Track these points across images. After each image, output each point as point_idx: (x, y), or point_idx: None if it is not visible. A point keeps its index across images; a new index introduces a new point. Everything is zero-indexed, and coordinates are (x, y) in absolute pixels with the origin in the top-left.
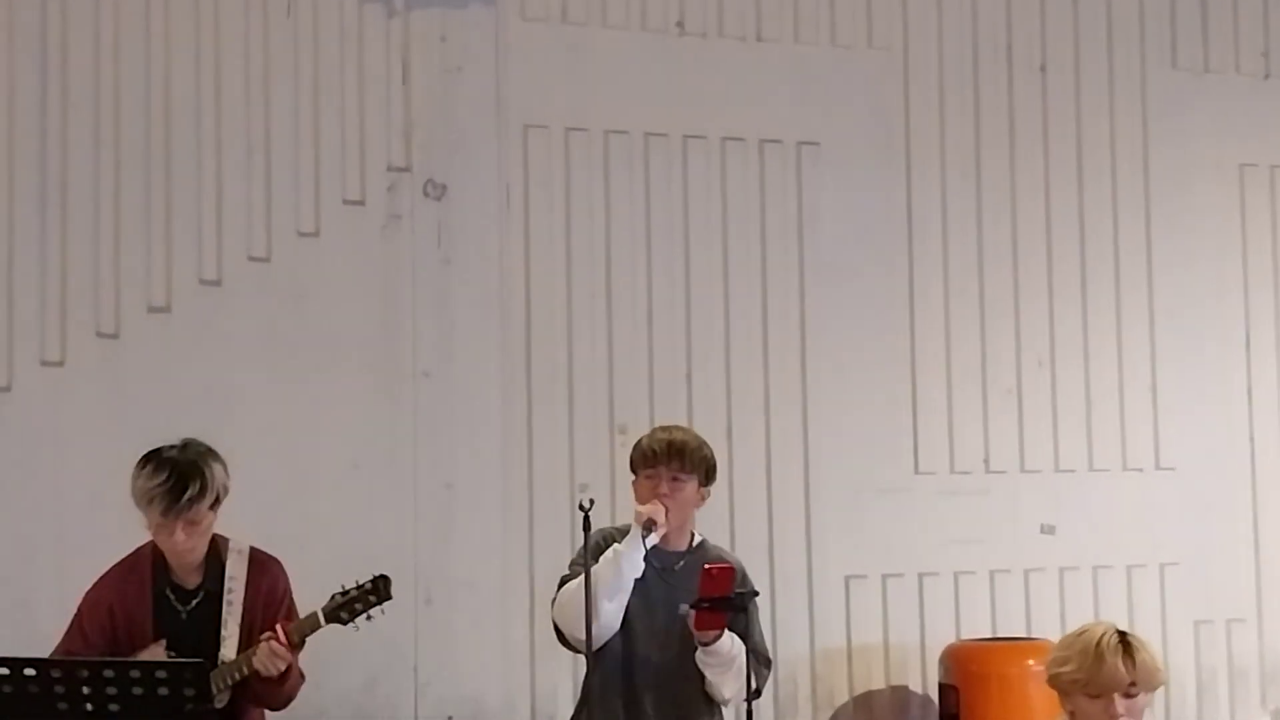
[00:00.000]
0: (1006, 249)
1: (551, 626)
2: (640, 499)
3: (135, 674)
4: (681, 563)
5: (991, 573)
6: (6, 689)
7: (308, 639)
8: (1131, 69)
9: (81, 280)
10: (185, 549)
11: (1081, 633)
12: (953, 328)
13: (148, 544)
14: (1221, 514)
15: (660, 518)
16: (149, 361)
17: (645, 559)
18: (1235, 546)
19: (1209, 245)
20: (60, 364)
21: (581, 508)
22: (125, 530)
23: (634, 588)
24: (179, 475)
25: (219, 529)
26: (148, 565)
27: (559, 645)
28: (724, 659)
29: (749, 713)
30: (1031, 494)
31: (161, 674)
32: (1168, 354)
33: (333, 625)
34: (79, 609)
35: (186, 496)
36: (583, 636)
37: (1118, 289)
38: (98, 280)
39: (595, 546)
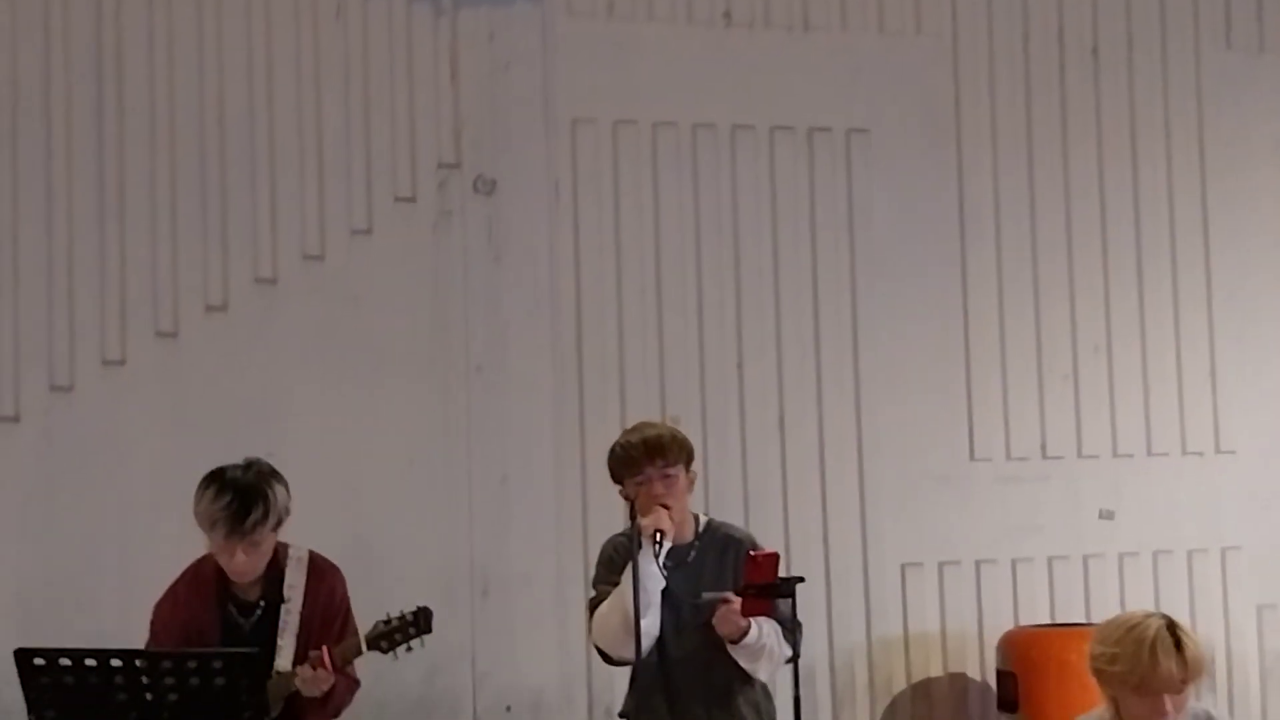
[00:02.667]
0: (1060, 233)
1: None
2: (643, 509)
3: (192, 664)
4: (693, 551)
5: (1050, 559)
6: (69, 680)
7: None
8: (1185, 50)
9: (140, 280)
10: (246, 570)
11: (1131, 627)
12: (1007, 313)
13: (209, 559)
14: None
15: (666, 525)
16: (207, 360)
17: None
18: None
19: (1266, 226)
20: (121, 363)
21: (626, 498)
22: (186, 529)
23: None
24: (242, 499)
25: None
26: (211, 580)
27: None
28: (754, 649)
29: (796, 699)
30: (1089, 479)
31: (218, 664)
32: (1226, 336)
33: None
34: (153, 628)
35: (250, 521)
36: (628, 654)
37: (1174, 272)
38: (156, 280)
39: (608, 559)
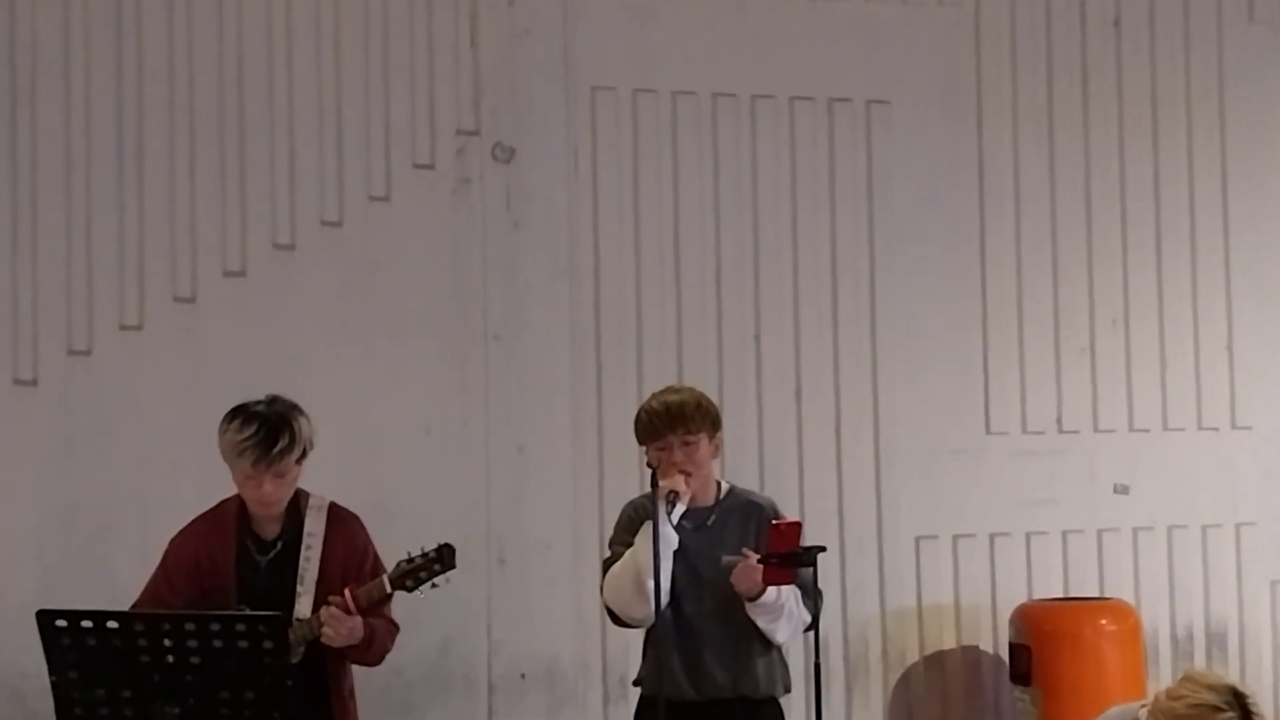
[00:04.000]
0: (1080, 207)
1: (604, 609)
2: (662, 473)
3: (215, 627)
4: (713, 516)
5: (1064, 533)
6: (91, 642)
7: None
8: (1208, 22)
9: (158, 246)
10: (273, 500)
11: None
12: (1025, 286)
13: (232, 498)
14: None
15: (681, 488)
16: (225, 325)
17: (678, 525)
18: None
19: None
20: (139, 328)
21: (650, 465)
22: (203, 492)
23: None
24: (269, 428)
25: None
26: (232, 517)
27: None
28: (773, 608)
29: (817, 665)
30: (1105, 454)
31: (241, 626)
32: (1244, 312)
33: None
34: (164, 557)
35: (277, 448)
36: (636, 615)
37: (1193, 246)
38: (174, 245)
39: (627, 520)
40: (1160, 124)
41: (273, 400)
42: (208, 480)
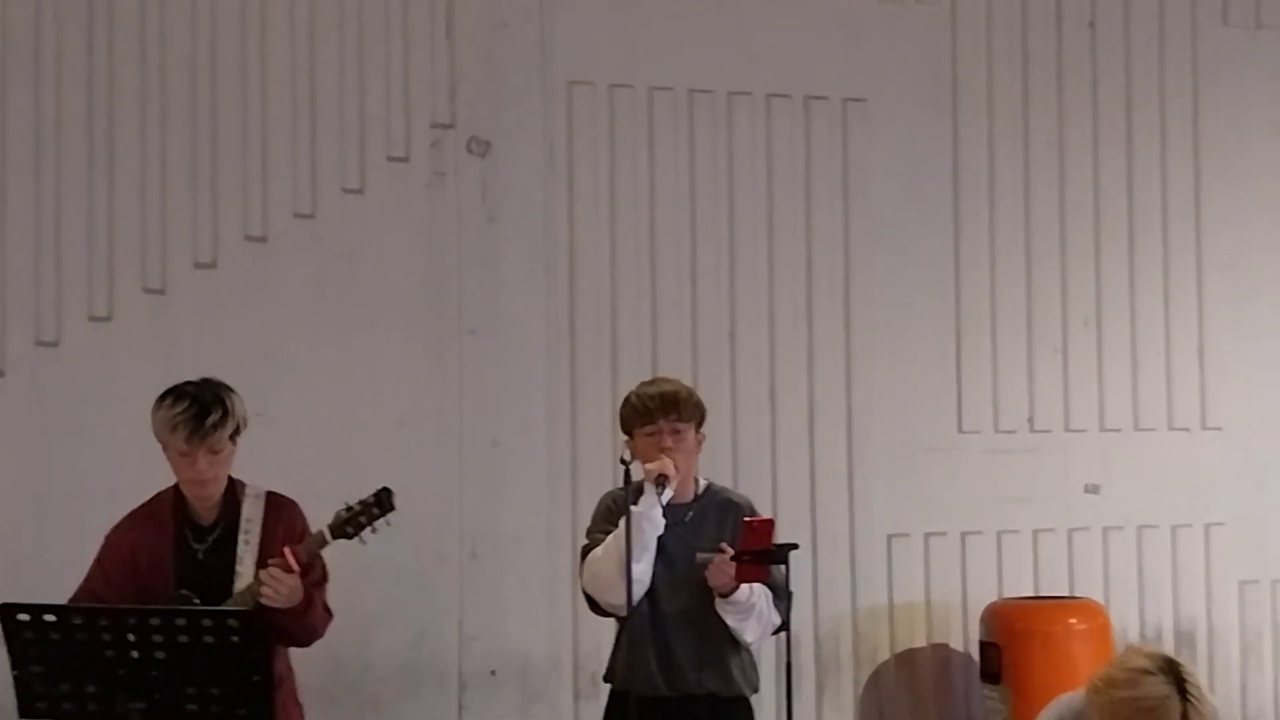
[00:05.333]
0: (1054, 207)
1: (584, 594)
2: (644, 457)
3: (181, 622)
4: (691, 512)
5: (1035, 532)
6: (54, 636)
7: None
8: (1182, 25)
9: (128, 236)
10: (208, 477)
11: (1135, 683)
12: (999, 286)
13: (168, 489)
14: (1268, 474)
15: (671, 471)
16: (195, 317)
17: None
18: None
19: (1259, 204)
20: (108, 319)
21: (623, 461)
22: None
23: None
24: (201, 404)
25: (239, 474)
26: (168, 507)
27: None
28: (744, 607)
29: (789, 665)
30: (1076, 453)
31: (207, 621)
32: (1215, 313)
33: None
34: (100, 550)
35: (209, 422)
36: (614, 601)
37: (1166, 247)
38: (144, 236)
39: (605, 511)
40: (1134, 125)
41: (204, 381)
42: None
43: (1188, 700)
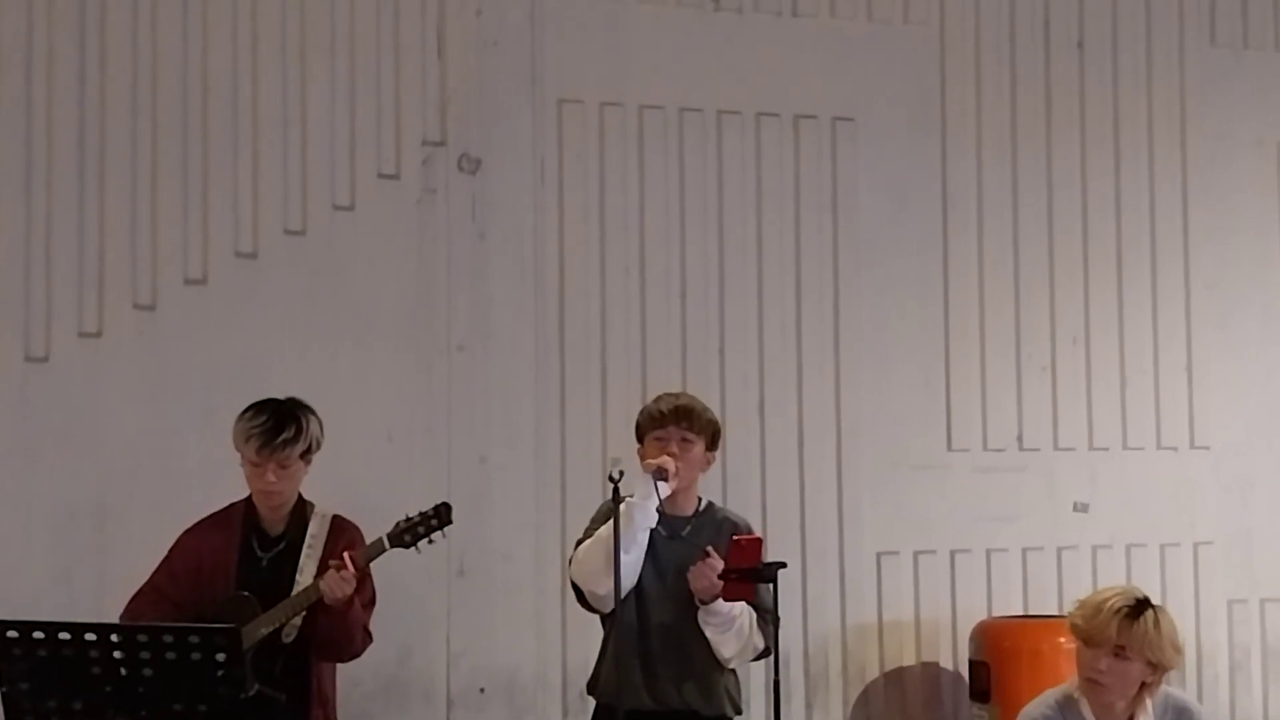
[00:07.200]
0: (1042, 225)
1: (571, 587)
2: (650, 458)
3: (168, 639)
4: (689, 527)
5: (1024, 550)
6: (42, 653)
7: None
8: (1170, 45)
9: (119, 252)
10: (276, 490)
11: (1110, 592)
12: (987, 304)
13: (242, 500)
14: (1257, 493)
15: (670, 466)
16: (186, 333)
17: (653, 530)
18: (1270, 526)
19: (1246, 223)
20: (98, 335)
21: (611, 479)
22: (161, 500)
23: (645, 553)
24: (278, 419)
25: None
26: (238, 516)
27: (589, 614)
28: (724, 619)
29: (776, 682)
30: (1065, 471)
31: (194, 639)
32: (1203, 332)
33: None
34: (171, 550)
35: (281, 437)
36: (600, 591)
37: (1154, 266)
38: (135, 252)
39: (605, 513)
40: (1122, 144)
41: (288, 399)
42: (166, 488)
43: (1152, 606)
